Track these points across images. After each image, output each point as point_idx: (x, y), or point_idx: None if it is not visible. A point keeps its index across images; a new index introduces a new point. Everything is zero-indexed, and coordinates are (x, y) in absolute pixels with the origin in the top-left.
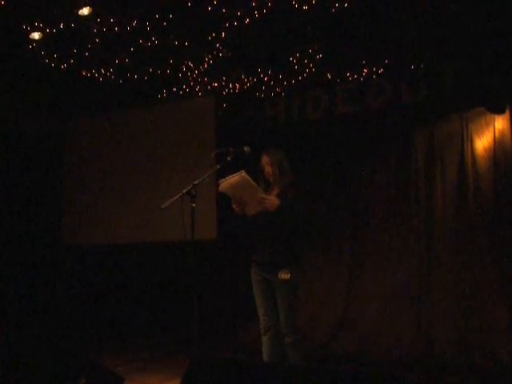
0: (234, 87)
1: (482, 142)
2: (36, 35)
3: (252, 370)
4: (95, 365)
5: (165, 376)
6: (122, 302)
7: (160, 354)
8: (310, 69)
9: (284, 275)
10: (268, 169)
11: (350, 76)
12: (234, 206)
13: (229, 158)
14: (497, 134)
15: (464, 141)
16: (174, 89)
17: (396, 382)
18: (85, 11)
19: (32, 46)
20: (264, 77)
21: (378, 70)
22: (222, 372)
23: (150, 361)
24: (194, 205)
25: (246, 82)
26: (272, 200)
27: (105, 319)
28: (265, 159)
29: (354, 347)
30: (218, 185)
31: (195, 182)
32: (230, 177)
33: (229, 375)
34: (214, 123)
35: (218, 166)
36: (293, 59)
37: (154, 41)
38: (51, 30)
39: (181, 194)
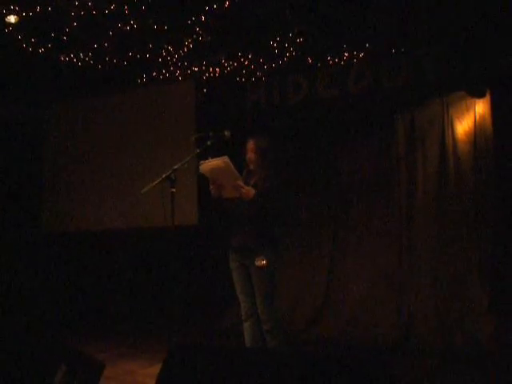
0: (215, 71)
1: (463, 126)
2: (12, 19)
3: (230, 355)
4: (75, 352)
5: (146, 362)
6: (102, 288)
7: (142, 340)
8: (291, 53)
9: (260, 262)
10: (251, 155)
11: (330, 60)
12: (210, 188)
13: (209, 143)
14: (477, 117)
15: (445, 125)
16: (153, 73)
17: (375, 366)
18: None
19: (8, 29)
20: (244, 61)
21: (358, 54)
22: (201, 358)
23: (132, 347)
24: (173, 190)
25: (227, 67)
26: (248, 190)
27: (86, 306)
28: (250, 144)
29: (335, 332)
30: (198, 167)
31: (175, 167)
32: (213, 159)
33: (208, 361)
34: (194, 108)
35: (198, 151)
36: (273, 43)
37: (133, 25)
38: (27, 14)
39: (160, 179)
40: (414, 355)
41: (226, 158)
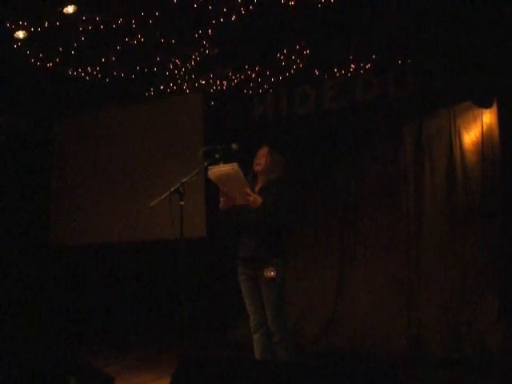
0: (222, 84)
1: (470, 136)
2: (21, 34)
3: (241, 367)
4: (85, 365)
5: (156, 375)
6: (111, 301)
7: (151, 352)
8: (298, 65)
9: (269, 273)
10: (261, 159)
11: (337, 72)
12: (221, 200)
13: (217, 156)
14: (484, 127)
15: (452, 135)
16: (161, 87)
17: (385, 378)
18: (70, 9)
19: (17, 45)
20: (251, 74)
21: (365, 65)
22: (211, 370)
23: (141, 360)
24: (182, 203)
25: (234, 79)
26: (255, 198)
27: (94, 318)
28: (265, 150)
29: (345, 342)
30: (207, 171)
31: (183, 180)
32: (222, 166)
33: (218, 373)
34: (201, 121)
35: (206, 164)
36: (280, 56)
37: (141, 39)
38: (36, 29)
39: (169, 192)
40: (424, 365)
41: (235, 166)
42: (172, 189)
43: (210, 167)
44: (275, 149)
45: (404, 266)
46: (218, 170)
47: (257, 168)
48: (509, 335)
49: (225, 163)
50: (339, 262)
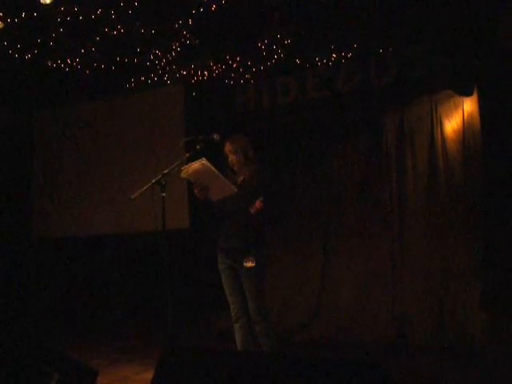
0: (203, 75)
1: (452, 124)
2: None
3: (224, 358)
4: (68, 359)
5: (140, 367)
6: (94, 294)
7: (135, 345)
8: (279, 55)
9: (249, 263)
10: (231, 157)
11: (318, 61)
12: (195, 191)
13: (198, 147)
14: (465, 116)
15: (434, 123)
16: (142, 78)
17: (369, 367)
18: (47, 0)
19: None
20: (233, 64)
21: (346, 54)
22: (194, 361)
23: (125, 352)
24: (163, 194)
25: (215, 70)
26: (232, 188)
27: (77, 312)
28: (228, 147)
29: (329, 332)
30: (180, 173)
31: (165, 172)
32: (191, 164)
33: (201, 365)
34: (183, 112)
35: (188, 155)
36: (261, 45)
37: (120, 29)
38: (12, 20)
39: (150, 183)
40: (408, 354)
41: (203, 160)
42: (153, 180)
43: (181, 168)
44: (237, 139)
45: (387, 255)
46: (188, 170)
47: (234, 168)
48: (491, 323)
49: (191, 162)
50: (323, 252)
